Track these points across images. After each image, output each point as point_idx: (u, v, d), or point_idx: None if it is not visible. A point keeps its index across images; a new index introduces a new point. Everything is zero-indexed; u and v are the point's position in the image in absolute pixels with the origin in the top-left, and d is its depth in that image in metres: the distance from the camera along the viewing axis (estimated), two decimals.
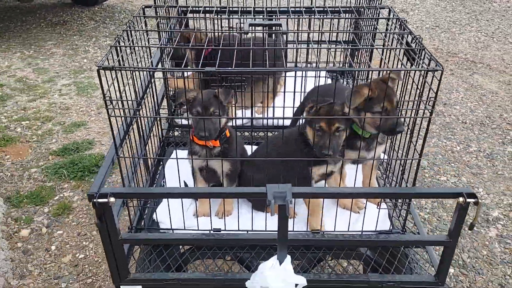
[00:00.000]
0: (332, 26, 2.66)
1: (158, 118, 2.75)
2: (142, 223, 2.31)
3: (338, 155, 2.10)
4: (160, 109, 2.87)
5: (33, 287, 3.10)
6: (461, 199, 1.69)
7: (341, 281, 1.99)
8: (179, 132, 3.23)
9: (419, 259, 2.19)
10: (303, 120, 2.17)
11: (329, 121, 2.02)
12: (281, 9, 2.63)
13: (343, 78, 3.59)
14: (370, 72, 2.77)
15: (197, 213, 2.33)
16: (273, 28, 2.37)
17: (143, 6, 2.51)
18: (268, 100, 3.06)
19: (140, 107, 2.18)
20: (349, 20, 3.16)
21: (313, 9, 2.59)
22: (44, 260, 3.31)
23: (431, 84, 1.82)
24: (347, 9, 2.87)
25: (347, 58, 3.38)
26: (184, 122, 3.14)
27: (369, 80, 2.23)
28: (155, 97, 2.62)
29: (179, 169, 2.14)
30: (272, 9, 2.85)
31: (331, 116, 1.98)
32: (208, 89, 2.15)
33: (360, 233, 2.06)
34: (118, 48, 1.95)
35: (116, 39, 1.96)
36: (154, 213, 2.35)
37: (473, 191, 1.68)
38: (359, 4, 3.19)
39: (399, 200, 2.17)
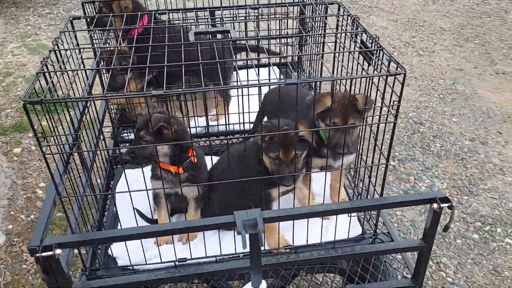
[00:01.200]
0: (281, 23, 2.52)
1: (102, 138, 2.50)
2: (96, 262, 2.08)
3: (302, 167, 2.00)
4: (103, 127, 2.62)
5: (35, 183, 3.86)
6: (435, 205, 1.64)
7: None
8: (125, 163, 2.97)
9: (392, 261, 2.16)
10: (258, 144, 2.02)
11: (285, 150, 1.90)
12: (224, 9, 2.45)
13: (293, 72, 3.49)
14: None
15: (159, 241, 2.14)
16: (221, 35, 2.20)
17: (71, 18, 2.22)
18: (223, 107, 2.90)
19: (78, 139, 1.92)
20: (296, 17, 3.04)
21: (259, 6, 2.43)
22: (40, 166, 4.05)
23: (393, 87, 1.74)
24: (294, 4, 2.75)
25: (296, 55, 3.28)
26: (132, 136, 2.91)
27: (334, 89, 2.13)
28: (96, 117, 2.37)
29: (132, 198, 1.95)
30: (215, 9, 2.67)
31: (288, 144, 1.88)
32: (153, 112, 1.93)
33: (333, 246, 1.97)
34: (47, 74, 1.69)
35: (43, 62, 1.70)
36: (109, 248, 2.13)
37: (446, 195, 1.64)
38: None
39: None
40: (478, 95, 4.68)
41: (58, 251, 1.49)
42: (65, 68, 1.81)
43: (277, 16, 2.48)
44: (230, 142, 2.92)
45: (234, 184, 2.03)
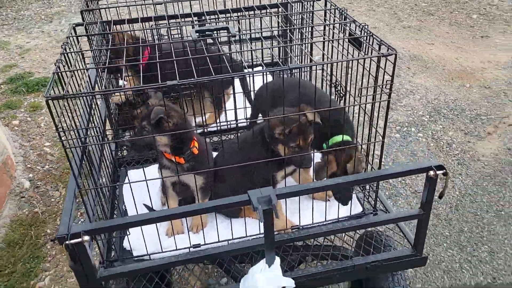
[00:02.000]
0: (271, 22, 2.66)
1: (106, 140, 2.59)
2: (112, 255, 2.16)
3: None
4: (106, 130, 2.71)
5: (41, 143, 4.35)
6: (431, 172, 1.78)
7: (328, 271, 2.02)
8: (127, 150, 3.07)
9: (392, 237, 2.30)
10: (267, 133, 2.15)
11: (305, 138, 2.05)
12: (219, 11, 2.58)
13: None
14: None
15: (172, 232, 2.23)
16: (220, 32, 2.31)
17: (73, 25, 2.33)
18: (221, 105, 3.00)
19: (103, 132, 2.04)
20: (281, 16, 3.19)
21: (253, 8, 2.56)
22: (40, 131, 4.55)
23: (385, 68, 1.89)
24: (282, 3, 2.89)
25: (284, 54, 3.41)
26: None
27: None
28: (100, 120, 2.46)
29: (133, 193, 2.04)
30: (207, 12, 2.79)
31: (305, 132, 2.04)
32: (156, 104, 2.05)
33: (337, 220, 2.10)
34: (60, 74, 1.79)
35: (56, 64, 1.80)
36: (124, 241, 2.21)
37: (441, 163, 1.78)
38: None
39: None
40: (390, 44, 5.38)
41: (86, 237, 1.58)
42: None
43: (266, 14, 2.60)
44: (226, 138, 3.04)
45: (239, 171, 2.15)
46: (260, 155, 2.11)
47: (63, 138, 1.66)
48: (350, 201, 2.21)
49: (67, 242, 1.56)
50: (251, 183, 2.16)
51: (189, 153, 2.12)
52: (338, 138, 2.22)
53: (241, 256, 2.24)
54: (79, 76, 2.06)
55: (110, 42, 2.38)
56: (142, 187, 2.18)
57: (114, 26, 2.47)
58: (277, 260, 1.90)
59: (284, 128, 2.02)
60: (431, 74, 5.33)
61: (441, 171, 1.78)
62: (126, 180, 2.71)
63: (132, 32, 2.62)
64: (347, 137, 2.21)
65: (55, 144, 4.36)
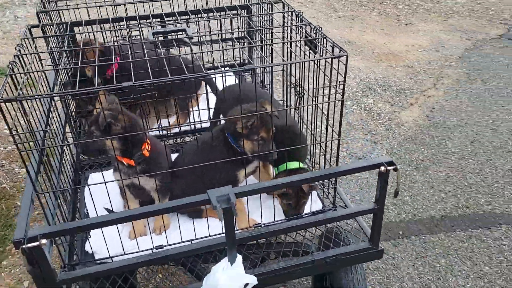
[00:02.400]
0: (231, 24, 2.70)
1: (66, 144, 2.56)
2: (74, 259, 2.14)
3: None
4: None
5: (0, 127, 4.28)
6: (382, 168, 1.87)
7: (290, 267, 2.08)
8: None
9: (349, 232, 2.38)
10: (228, 130, 2.19)
11: (268, 129, 2.10)
12: (178, 13, 2.59)
13: (245, 75, 3.68)
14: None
15: (135, 234, 2.23)
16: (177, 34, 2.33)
17: (29, 27, 2.29)
18: (186, 108, 3.01)
19: (46, 136, 2.01)
20: (242, 18, 3.24)
21: (209, 8, 2.59)
22: None
23: (338, 69, 1.96)
24: (240, 6, 2.94)
25: (245, 55, 3.47)
26: None
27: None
28: (59, 122, 2.43)
29: (93, 196, 2.04)
30: (167, 13, 2.80)
31: (270, 125, 2.09)
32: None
33: (299, 217, 2.17)
34: (13, 76, 1.76)
35: (10, 66, 1.77)
36: (86, 244, 2.19)
37: (391, 159, 1.88)
38: (250, 2, 3.28)
39: (326, 180, 2.33)
40: (328, 32, 6.33)
41: (44, 241, 1.56)
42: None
43: (227, 15, 2.64)
44: (183, 140, 3.06)
45: (199, 172, 2.18)
46: (221, 155, 2.15)
47: (17, 141, 1.64)
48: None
49: (23, 246, 1.54)
50: (211, 183, 2.19)
51: (139, 156, 2.13)
52: (294, 164, 2.29)
53: (204, 256, 2.26)
54: (35, 78, 2.04)
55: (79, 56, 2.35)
56: (104, 191, 2.18)
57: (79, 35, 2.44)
58: (239, 258, 1.94)
59: (247, 121, 2.07)
60: (363, 57, 6.02)
61: (392, 167, 1.87)
62: (89, 182, 2.68)
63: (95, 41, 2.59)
64: (302, 165, 2.30)
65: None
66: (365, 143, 4.27)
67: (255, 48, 3.31)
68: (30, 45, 2.17)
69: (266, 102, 2.14)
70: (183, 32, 2.12)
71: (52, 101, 2.34)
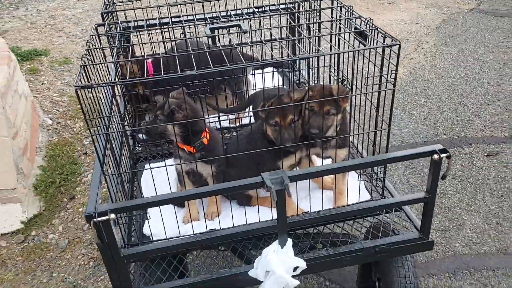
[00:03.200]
0: (280, 22, 2.78)
1: (125, 135, 2.73)
2: (132, 240, 2.28)
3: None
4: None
5: (49, 95, 5.02)
6: (435, 156, 1.88)
7: (339, 254, 2.12)
8: (141, 147, 3.19)
9: (398, 223, 2.38)
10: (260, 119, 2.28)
11: (283, 115, 2.16)
12: (231, 12, 2.72)
13: (290, 71, 3.75)
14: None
15: (190, 219, 2.34)
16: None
17: (96, 25, 2.49)
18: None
19: (110, 123, 2.18)
20: (287, 16, 3.31)
21: (263, 8, 2.70)
22: (45, 86, 5.20)
23: (389, 59, 2.00)
24: (285, 5, 3.03)
25: (292, 52, 3.54)
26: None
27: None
28: (119, 113, 2.60)
29: (150, 182, 2.16)
30: (220, 13, 2.93)
31: (284, 109, 2.14)
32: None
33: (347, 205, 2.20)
34: (86, 67, 1.93)
35: (83, 58, 1.94)
36: (143, 227, 2.33)
37: (444, 147, 1.88)
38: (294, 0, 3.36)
39: (375, 170, 2.35)
40: None
41: (112, 215, 1.70)
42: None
43: (276, 13, 2.73)
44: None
45: (247, 161, 2.27)
46: (261, 146, 2.23)
47: (89, 126, 1.79)
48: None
49: (94, 219, 1.68)
50: (260, 171, 2.27)
51: (199, 143, 2.24)
52: None
53: (254, 242, 2.34)
54: (99, 71, 2.21)
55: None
56: (159, 181, 2.31)
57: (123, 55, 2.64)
58: (289, 241, 2.00)
59: (264, 104, 2.15)
60: None
61: (445, 154, 1.88)
62: (143, 174, 2.83)
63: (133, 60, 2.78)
64: None
65: (62, 93, 5.12)
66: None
67: (298, 46, 3.37)
68: (96, 41, 2.35)
69: (297, 91, 2.19)
70: (238, 27, 2.23)
71: (114, 93, 2.51)
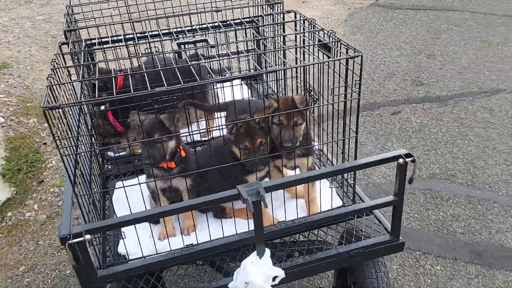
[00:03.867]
0: (246, 36, 2.84)
1: (94, 153, 2.69)
2: (108, 260, 2.24)
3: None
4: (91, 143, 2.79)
5: None
6: (401, 160, 1.97)
7: (314, 261, 2.17)
8: (111, 164, 3.14)
9: (370, 227, 2.46)
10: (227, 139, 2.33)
11: (251, 139, 2.21)
12: (196, 27, 2.74)
13: (257, 83, 3.81)
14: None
15: (166, 235, 2.32)
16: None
17: (60, 44, 2.45)
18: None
19: (78, 143, 2.14)
20: (252, 29, 3.38)
21: (227, 22, 2.74)
22: None
23: (353, 70, 2.08)
24: (250, 19, 3.10)
25: (259, 65, 3.60)
26: (118, 154, 3.10)
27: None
28: (88, 132, 2.56)
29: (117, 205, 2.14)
30: (184, 28, 2.96)
31: (252, 133, 2.19)
32: (153, 116, 2.18)
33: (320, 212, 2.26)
34: (53, 87, 1.90)
35: (49, 78, 1.91)
36: (118, 247, 2.29)
37: (409, 152, 1.98)
38: (258, 14, 3.43)
39: (345, 177, 2.43)
40: None
41: (88, 236, 1.67)
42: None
43: (241, 27, 2.78)
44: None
45: (217, 174, 2.30)
46: (228, 160, 2.27)
47: (59, 146, 1.76)
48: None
49: (69, 241, 1.65)
50: (226, 187, 2.29)
51: (178, 157, 2.24)
52: None
53: (232, 254, 2.35)
54: (65, 90, 2.18)
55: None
56: (132, 199, 2.28)
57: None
58: (267, 251, 2.03)
59: (232, 127, 2.20)
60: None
61: (410, 159, 1.97)
62: (115, 193, 2.79)
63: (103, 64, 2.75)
64: None
65: (9, 94, 5.34)
66: None
67: (264, 58, 3.45)
68: (60, 60, 2.32)
69: (259, 112, 2.25)
70: (205, 42, 2.26)
71: (82, 111, 2.48)
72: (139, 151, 2.94)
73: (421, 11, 8.06)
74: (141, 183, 2.07)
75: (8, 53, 6.49)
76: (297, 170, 2.50)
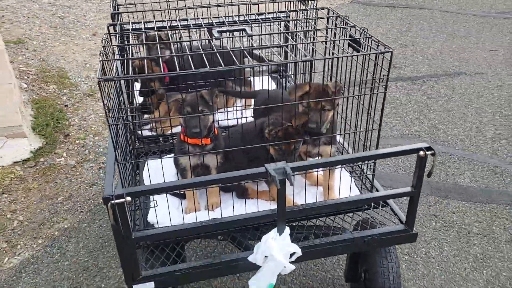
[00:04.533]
0: (279, 29, 2.98)
1: (128, 129, 2.87)
2: (136, 229, 2.41)
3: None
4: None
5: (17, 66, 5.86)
6: (421, 153, 2.08)
7: (331, 243, 2.30)
8: (141, 144, 3.31)
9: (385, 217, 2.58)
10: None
11: (288, 143, 2.35)
12: (236, 18, 2.90)
13: (284, 77, 3.95)
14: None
15: (190, 209, 2.49)
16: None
17: (108, 25, 2.65)
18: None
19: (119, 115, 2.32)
20: (286, 23, 3.51)
21: (265, 15, 2.89)
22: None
23: (382, 65, 2.20)
24: (286, 13, 3.23)
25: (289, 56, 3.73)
26: (146, 134, 3.28)
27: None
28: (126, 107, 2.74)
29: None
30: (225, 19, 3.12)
31: (289, 137, 2.34)
32: (194, 92, 2.35)
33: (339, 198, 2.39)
34: (105, 62, 2.08)
35: (102, 53, 2.09)
36: (148, 215, 2.46)
37: (430, 145, 2.09)
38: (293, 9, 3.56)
39: (364, 167, 2.55)
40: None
41: (128, 198, 1.84)
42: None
43: (276, 20, 2.92)
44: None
45: (245, 156, 2.44)
46: (259, 142, 2.41)
47: (109, 116, 1.94)
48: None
49: (112, 201, 1.82)
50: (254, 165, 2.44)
51: (212, 134, 2.40)
52: None
53: (252, 232, 2.49)
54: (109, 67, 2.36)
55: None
56: (161, 177, 2.44)
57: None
58: (287, 229, 2.17)
59: (270, 130, 2.34)
60: None
61: (430, 152, 2.08)
62: (145, 168, 2.96)
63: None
64: None
65: (28, 65, 5.95)
66: None
67: (296, 50, 3.57)
68: (110, 39, 2.51)
69: (301, 117, 2.38)
70: (244, 32, 2.41)
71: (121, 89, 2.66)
72: (169, 132, 3.12)
73: (396, 8, 8.97)
74: (175, 156, 2.22)
75: (20, 31, 7.16)
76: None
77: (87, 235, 3.62)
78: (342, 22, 2.64)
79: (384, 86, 2.21)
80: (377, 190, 2.61)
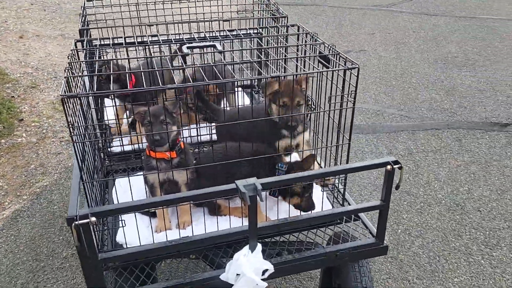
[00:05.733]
0: (252, 45, 3.00)
1: (97, 147, 2.80)
2: (105, 249, 2.34)
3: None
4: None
5: None
6: (388, 167, 2.11)
7: (304, 258, 2.28)
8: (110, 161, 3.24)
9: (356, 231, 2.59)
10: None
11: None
12: (206, 34, 2.90)
13: (256, 92, 3.97)
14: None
15: (160, 228, 2.43)
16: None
17: (75, 41, 2.61)
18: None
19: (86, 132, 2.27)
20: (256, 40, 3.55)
21: (235, 32, 2.91)
22: None
23: (350, 80, 2.24)
24: (254, 30, 3.27)
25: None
26: (117, 150, 3.21)
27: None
28: (91, 123, 2.69)
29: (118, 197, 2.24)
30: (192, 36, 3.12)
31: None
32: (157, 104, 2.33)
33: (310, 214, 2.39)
34: (70, 79, 2.04)
35: (66, 70, 2.05)
36: (117, 235, 2.39)
37: (397, 159, 2.12)
38: (262, 26, 3.60)
39: (336, 182, 2.56)
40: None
41: (93, 219, 1.78)
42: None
43: (247, 36, 2.95)
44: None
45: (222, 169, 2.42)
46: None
47: (72, 134, 1.89)
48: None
49: (76, 222, 1.75)
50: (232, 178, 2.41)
51: (178, 147, 2.37)
52: None
53: (225, 249, 2.46)
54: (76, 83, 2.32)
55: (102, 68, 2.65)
56: (127, 197, 2.39)
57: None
58: (259, 246, 2.15)
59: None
60: None
61: (397, 165, 2.11)
62: (114, 186, 2.90)
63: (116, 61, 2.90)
64: None
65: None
66: None
67: (267, 67, 3.61)
68: (76, 55, 2.47)
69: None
70: (214, 48, 2.41)
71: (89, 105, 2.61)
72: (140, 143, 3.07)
73: (293, 6, 10.44)
74: (144, 174, 2.18)
75: None
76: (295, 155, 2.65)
77: (67, 187, 4.15)
78: (311, 39, 2.69)
79: (352, 102, 2.24)
80: (349, 204, 2.64)
